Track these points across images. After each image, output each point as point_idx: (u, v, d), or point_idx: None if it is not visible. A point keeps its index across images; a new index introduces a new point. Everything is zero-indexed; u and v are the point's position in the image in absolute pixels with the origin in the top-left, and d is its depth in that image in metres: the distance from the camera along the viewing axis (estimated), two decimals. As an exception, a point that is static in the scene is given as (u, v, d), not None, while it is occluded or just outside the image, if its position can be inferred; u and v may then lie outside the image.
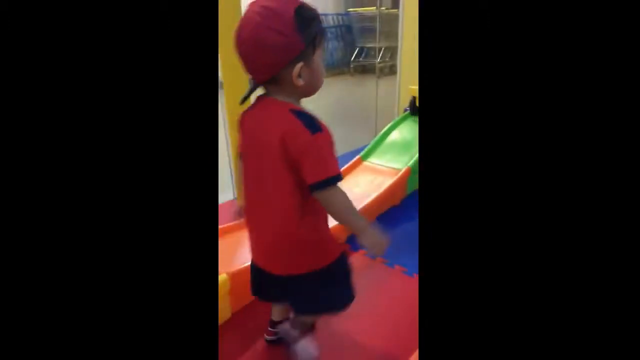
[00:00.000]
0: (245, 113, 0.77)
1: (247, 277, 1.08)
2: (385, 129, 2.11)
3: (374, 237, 0.75)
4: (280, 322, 0.97)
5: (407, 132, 2.11)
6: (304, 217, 0.74)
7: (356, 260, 1.32)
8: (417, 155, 1.80)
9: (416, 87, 2.20)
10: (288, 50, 0.65)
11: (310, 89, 0.73)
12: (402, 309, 1.09)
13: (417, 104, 2.21)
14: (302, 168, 0.68)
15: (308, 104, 0.74)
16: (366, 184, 1.71)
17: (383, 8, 4.48)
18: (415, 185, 1.79)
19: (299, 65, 0.67)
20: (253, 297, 1.12)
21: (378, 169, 1.84)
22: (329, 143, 0.69)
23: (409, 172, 1.73)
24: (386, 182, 1.66)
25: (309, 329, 0.96)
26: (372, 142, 2.02)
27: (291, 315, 0.96)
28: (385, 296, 1.16)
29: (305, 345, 0.93)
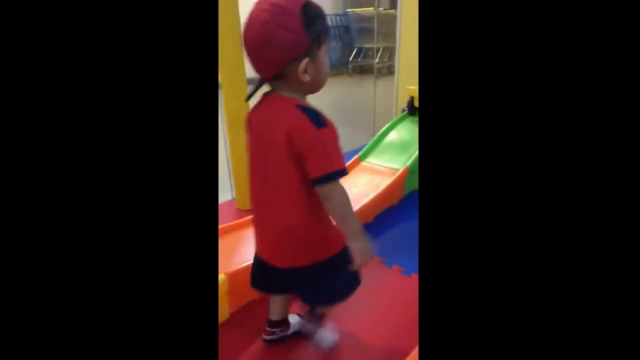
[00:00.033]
0: (252, 110, 0.79)
1: (246, 277, 1.08)
2: (384, 129, 2.11)
3: (364, 243, 0.76)
4: (278, 321, 0.97)
5: (405, 133, 2.11)
6: (310, 211, 0.75)
7: (354, 260, 1.32)
8: (415, 156, 1.80)
9: (414, 88, 2.20)
10: (295, 46, 0.67)
11: (315, 85, 0.74)
12: (401, 309, 1.09)
13: (415, 104, 2.22)
14: (306, 162, 0.70)
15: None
16: (364, 184, 1.72)
17: (381, 8, 4.49)
18: (413, 185, 1.80)
19: (305, 61, 0.68)
20: (251, 298, 1.13)
21: (376, 169, 1.84)
22: (334, 138, 0.71)
23: (407, 172, 1.73)
24: (384, 182, 1.66)
25: (323, 319, 0.99)
26: (370, 142, 2.02)
27: (303, 311, 0.99)
28: (384, 296, 1.16)
29: (325, 334, 0.97)
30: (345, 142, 0.74)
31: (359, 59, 5.31)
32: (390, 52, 4.19)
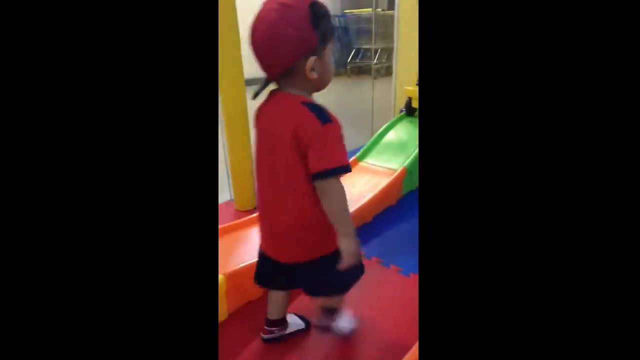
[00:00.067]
0: (259, 109, 0.80)
1: (244, 278, 1.09)
2: (381, 129, 2.12)
3: (354, 245, 0.77)
4: (277, 320, 0.98)
5: (403, 133, 2.12)
6: (316, 206, 0.76)
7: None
8: (412, 156, 1.81)
9: (411, 88, 2.21)
10: (303, 44, 0.69)
11: (321, 83, 0.76)
12: (399, 309, 1.10)
13: (413, 105, 2.23)
14: (308, 156, 0.71)
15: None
16: (362, 184, 1.72)
17: (379, 10, 4.50)
18: (411, 185, 1.80)
19: (313, 58, 0.70)
20: (249, 298, 1.13)
21: (374, 169, 1.85)
22: (338, 135, 0.72)
23: (405, 172, 1.74)
24: (382, 183, 1.67)
25: (338, 311, 1.00)
26: (368, 143, 2.03)
27: (317, 308, 1.01)
28: (381, 296, 1.17)
29: (342, 323, 1.00)
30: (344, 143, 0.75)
31: (357, 60, 5.32)
32: (389, 52, 4.20)
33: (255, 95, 0.77)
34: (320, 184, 0.72)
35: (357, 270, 0.89)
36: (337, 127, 0.72)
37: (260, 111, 0.79)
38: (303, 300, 1.12)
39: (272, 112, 0.76)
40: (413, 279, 1.22)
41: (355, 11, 5.04)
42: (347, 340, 1.00)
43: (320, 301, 0.98)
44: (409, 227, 1.54)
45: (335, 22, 5.34)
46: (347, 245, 0.76)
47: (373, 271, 1.26)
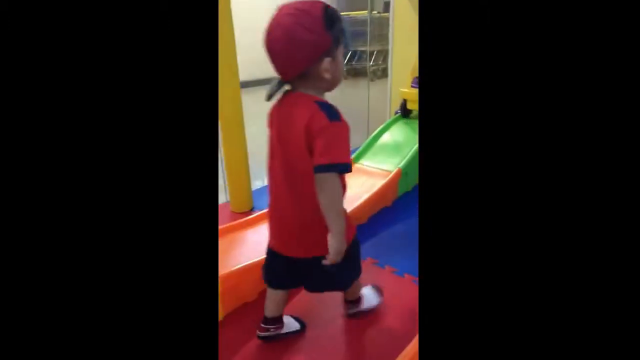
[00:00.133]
0: (273, 109, 0.83)
1: (239, 279, 1.09)
2: (377, 131, 2.13)
3: (342, 244, 0.78)
4: (274, 318, 0.98)
5: (398, 134, 2.13)
6: None
7: (348, 261, 1.33)
8: (408, 157, 1.82)
9: (407, 90, 2.23)
10: (318, 46, 0.73)
11: (333, 83, 0.80)
12: (393, 309, 1.10)
13: (408, 107, 2.24)
14: (314, 150, 0.73)
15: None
16: (358, 185, 1.73)
17: (375, 12, 4.52)
18: (406, 186, 1.81)
19: (328, 60, 0.74)
20: (245, 300, 1.14)
21: (370, 170, 1.86)
22: (344, 134, 0.75)
23: (400, 173, 1.75)
24: (377, 184, 1.68)
25: (360, 300, 1.06)
26: (364, 144, 2.04)
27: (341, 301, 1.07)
28: (377, 296, 1.17)
29: (369, 303, 1.07)
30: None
31: (353, 62, 5.33)
32: (384, 55, 4.22)
33: (269, 96, 0.80)
34: (319, 178, 0.74)
35: (357, 270, 0.94)
36: (345, 127, 0.75)
37: (274, 111, 0.83)
38: (299, 303, 1.12)
39: (287, 112, 0.79)
40: (408, 280, 1.22)
41: (352, 13, 5.04)
42: (344, 340, 1.01)
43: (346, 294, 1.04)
44: (404, 228, 1.55)
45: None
46: (335, 243, 0.77)
47: (368, 272, 1.27)
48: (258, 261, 1.11)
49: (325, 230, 0.80)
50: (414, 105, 2.23)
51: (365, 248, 1.44)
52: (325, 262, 0.78)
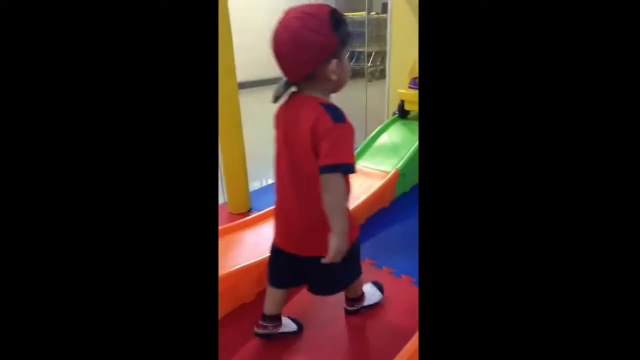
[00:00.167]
0: (279, 110, 0.84)
1: (237, 280, 1.09)
2: (375, 132, 2.13)
3: (343, 244, 0.78)
4: (272, 316, 0.98)
5: (395, 135, 2.13)
6: None
7: (345, 262, 1.33)
8: (405, 158, 1.82)
9: (404, 91, 2.23)
10: (325, 48, 0.74)
11: (339, 84, 0.81)
12: (390, 309, 1.10)
13: (406, 108, 2.24)
14: (319, 152, 0.74)
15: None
16: (356, 186, 1.72)
17: (373, 13, 4.52)
18: (403, 187, 1.82)
19: (335, 61, 0.75)
20: (242, 301, 1.13)
21: (367, 171, 1.86)
22: (348, 135, 0.76)
23: (398, 174, 1.75)
24: (375, 185, 1.68)
25: (362, 298, 1.09)
26: (362, 145, 2.04)
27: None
28: (374, 297, 1.17)
29: (372, 299, 1.10)
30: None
31: (351, 63, 5.34)
32: (382, 55, 4.22)
33: (276, 98, 0.81)
34: (324, 178, 0.75)
35: (357, 270, 0.96)
36: (349, 129, 0.76)
37: (280, 113, 0.84)
38: (298, 303, 1.12)
39: (293, 113, 0.80)
40: (405, 281, 1.23)
41: (350, 14, 5.06)
42: (342, 340, 1.01)
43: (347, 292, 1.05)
44: (402, 229, 1.55)
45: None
46: (337, 242, 0.77)
47: (366, 273, 1.26)
48: (256, 262, 1.11)
49: (329, 231, 0.80)
50: (411, 106, 2.23)
51: (363, 249, 1.44)
52: (324, 260, 0.78)
